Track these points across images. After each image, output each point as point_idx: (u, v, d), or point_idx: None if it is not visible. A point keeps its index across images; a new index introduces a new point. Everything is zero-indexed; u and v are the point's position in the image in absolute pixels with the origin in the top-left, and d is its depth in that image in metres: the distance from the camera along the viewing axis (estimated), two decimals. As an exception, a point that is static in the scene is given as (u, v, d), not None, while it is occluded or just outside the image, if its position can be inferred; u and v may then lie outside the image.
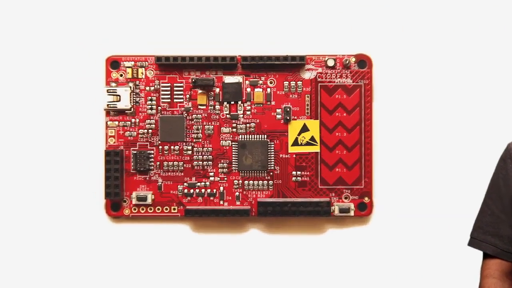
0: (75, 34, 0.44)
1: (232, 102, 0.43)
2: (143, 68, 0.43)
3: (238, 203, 0.43)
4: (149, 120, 0.43)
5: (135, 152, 0.43)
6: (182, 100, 0.43)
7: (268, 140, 0.43)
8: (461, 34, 0.44)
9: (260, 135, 0.43)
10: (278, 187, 0.43)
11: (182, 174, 0.43)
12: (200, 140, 0.43)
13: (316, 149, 0.43)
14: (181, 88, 0.43)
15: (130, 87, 0.43)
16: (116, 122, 0.43)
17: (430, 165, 0.43)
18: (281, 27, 0.44)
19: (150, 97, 0.43)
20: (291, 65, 0.43)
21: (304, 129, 0.43)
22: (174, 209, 0.43)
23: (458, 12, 0.44)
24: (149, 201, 0.43)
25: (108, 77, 0.43)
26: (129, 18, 0.44)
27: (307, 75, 0.43)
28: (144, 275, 0.43)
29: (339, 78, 0.43)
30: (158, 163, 0.43)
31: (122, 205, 0.43)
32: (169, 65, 0.43)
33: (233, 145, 0.43)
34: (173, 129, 0.43)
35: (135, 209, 0.43)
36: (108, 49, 0.43)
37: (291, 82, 0.43)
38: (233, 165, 0.43)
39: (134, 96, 0.43)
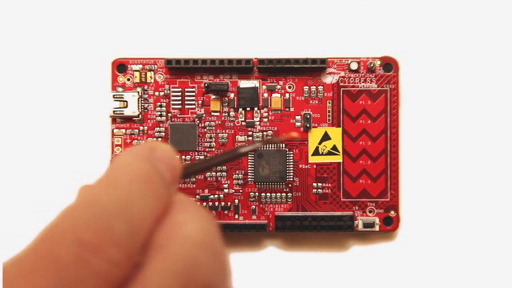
0: (79, 35, 0.42)
1: (248, 109, 0.40)
2: (152, 72, 0.40)
3: (254, 217, 0.40)
4: (158, 128, 0.40)
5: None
6: (194, 106, 0.40)
7: (287, 150, 0.40)
8: (496, 36, 0.41)
9: (278, 144, 0.40)
10: (297, 200, 0.40)
11: (194, 186, 0.40)
12: (213, 149, 0.40)
13: (338, 159, 0.40)
14: (193, 94, 0.40)
15: (138, 92, 0.40)
16: (123, 130, 0.40)
17: (461, 177, 0.41)
18: (301, 27, 0.41)
19: (159, 103, 0.40)
20: (311, 69, 0.40)
21: (326, 137, 0.40)
22: (185, 223, 0.40)
23: (493, 12, 0.41)
24: (158, 215, 0.40)
25: (114, 81, 0.40)
26: (137, 17, 0.41)
27: (329, 79, 0.40)
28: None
29: (363, 82, 0.40)
30: (168, 174, 0.40)
31: (129, 220, 0.40)
32: (180, 69, 0.40)
33: (248, 155, 0.40)
34: (184, 137, 0.40)
35: (143, 224, 0.40)
36: (114, 51, 0.41)
37: (311, 87, 0.40)
38: (249, 176, 0.40)
39: (142, 102, 0.40)
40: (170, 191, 0.22)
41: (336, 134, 0.40)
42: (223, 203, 0.40)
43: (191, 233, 0.20)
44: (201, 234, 0.20)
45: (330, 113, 0.40)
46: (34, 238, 0.19)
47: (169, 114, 0.40)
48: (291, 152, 0.40)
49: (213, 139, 0.40)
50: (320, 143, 0.40)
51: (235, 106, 0.40)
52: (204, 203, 0.40)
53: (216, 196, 0.40)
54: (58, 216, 0.19)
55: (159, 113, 0.40)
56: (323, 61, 0.39)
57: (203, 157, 0.40)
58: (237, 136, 0.40)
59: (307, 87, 0.40)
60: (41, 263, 0.18)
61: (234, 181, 0.40)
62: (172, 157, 0.23)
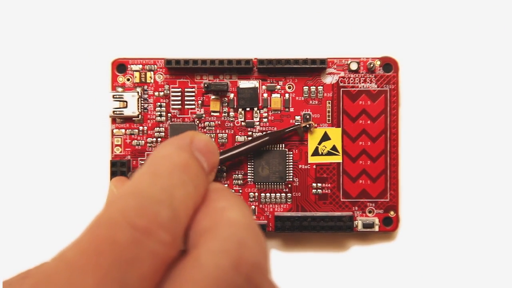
0: (78, 36, 0.41)
1: (248, 109, 0.40)
2: (152, 72, 0.40)
3: (253, 217, 0.40)
4: (158, 128, 0.40)
5: (143, 162, 0.40)
6: (193, 106, 0.40)
7: (286, 150, 0.40)
8: (496, 36, 0.41)
9: (278, 144, 0.40)
10: (297, 200, 0.40)
11: (194, 186, 0.40)
12: (213, 149, 0.40)
13: (338, 159, 0.40)
14: (193, 94, 0.40)
15: (138, 92, 0.40)
16: (123, 130, 0.40)
17: (460, 177, 0.41)
18: (301, 27, 0.41)
19: (159, 103, 0.40)
20: (311, 69, 0.40)
21: (325, 137, 0.40)
22: (185, 223, 0.40)
23: (493, 12, 0.41)
24: (158, 215, 0.40)
25: (114, 81, 0.40)
26: (137, 17, 0.41)
27: (328, 80, 0.40)
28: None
29: (362, 82, 0.40)
30: (168, 174, 0.40)
31: (129, 220, 0.40)
32: (179, 69, 0.40)
33: (248, 155, 0.40)
34: (184, 137, 0.40)
35: (143, 224, 0.40)
36: (114, 52, 0.41)
37: (311, 87, 0.40)
38: (249, 177, 0.40)
39: (142, 102, 0.40)
40: (209, 179, 0.24)
41: (336, 134, 0.40)
42: (222, 203, 0.40)
43: (236, 217, 0.22)
44: (244, 218, 0.22)
45: (330, 113, 0.40)
46: (87, 225, 0.20)
47: (169, 114, 0.40)
48: (291, 152, 0.40)
49: (213, 139, 0.40)
50: (319, 143, 0.40)
51: (235, 106, 0.40)
52: (204, 203, 0.40)
53: (215, 196, 0.40)
54: (107, 205, 0.21)
55: (159, 113, 0.40)
56: (322, 61, 0.39)
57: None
58: (236, 137, 0.40)
59: (307, 87, 0.40)
60: (101, 246, 0.19)
61: (234, 181, 0.40)
62: (210, 147, 0.25)
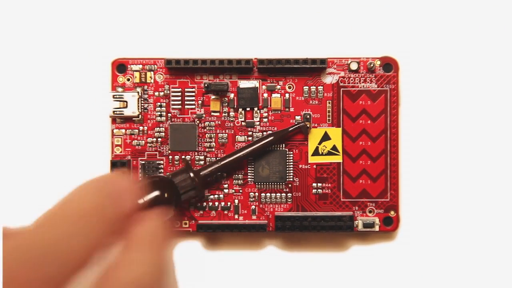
0: (79, 35, 0.41)
1: (248, 109, 0.40)
2: (152, 72, 0.40)
3: (254, 217, 0.40)
4: (158, 128, 0.40)
5: (143, 162, 0.40)
6: (194, 106, 0.40)
7: (287, 150, 0.40)
8: (496, 36, 0.41)
9: (278, 144, 0.40)
10: (297, 200, 0.40)
11: (194, 186, 0.40)
12: (213, 149, 0.40)
13: (338, 159, 0.40)
14: (193, 94, 0.40)
15: (138, 92, 0.40)
16: (123, 130, 0.40)
17: (461, 177, 0.41)
18: (301, 27, 0.41)
19: (159, 103, 0.40)
20: (311, 69, 0.40)
21: (325, 137, 0.40)
22: (185, 223, 0.40)
23: (493, 12, 0.41)
24: (158, 215, 0.40)
25: (114, 81, 0.40)
26: (137, 17, 0.41)
27: (329, 80, 0.40)
28: (152, 295, 0.41)
29: (362, 82, 0.40)
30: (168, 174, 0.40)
31: (129, 220, 0.40)
32: (179, 69, 0.40)
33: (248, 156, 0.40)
34: (184, 137, 0.40)
35: (143, 224, 0.40)
36: (114, 52, 0.41)
37: (311, 87, 0.40)
38: (249, 177, 0.40)
39: (142, 102, 0.40)
40: (117, 223, 0.23)
41: (336, 134, 0.40)
42: (223, 203, 0.40)
43: (127, 278, 0.21)
44: (138, 281, 0.21)
45: (330, 113, 0.40)
46: None
47: (169, 114, 0.40)
48: (291, 152, 0.40)
49: (213, 139, 0.40)
50: (320, 143, 0.40)
51: (235, 106, 0.40)
52: (204, 203, 0.40)
53: (216, 196, 0.40)
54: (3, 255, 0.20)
55: (159, 113, 0.40)
56: (323, 61, 0.39)
57: (203, 157, 0.40)
58: (237, 137, 0.40)
59: (307, 87, 0.40)
60: None
61: (234, 181, 0.40)
62: (125, 189, 0.23)
